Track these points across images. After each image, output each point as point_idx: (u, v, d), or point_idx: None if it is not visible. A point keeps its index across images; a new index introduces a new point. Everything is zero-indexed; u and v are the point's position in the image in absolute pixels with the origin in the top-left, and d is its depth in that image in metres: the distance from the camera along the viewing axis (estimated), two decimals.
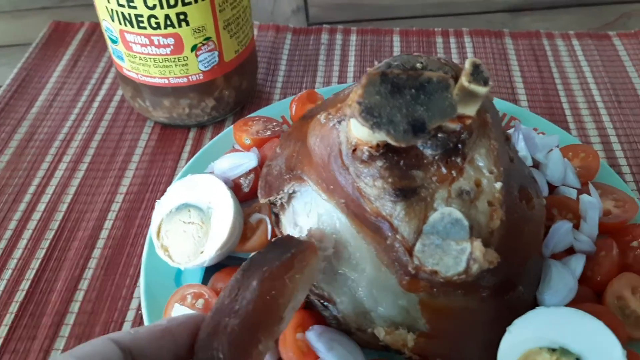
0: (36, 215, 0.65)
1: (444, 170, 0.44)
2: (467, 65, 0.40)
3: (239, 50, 0.70)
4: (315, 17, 0.94)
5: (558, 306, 0.46)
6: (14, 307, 0.56)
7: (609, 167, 0.63)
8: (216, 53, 0.67)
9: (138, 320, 0.56)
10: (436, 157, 0.44)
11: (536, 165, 0.61)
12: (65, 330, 0.55)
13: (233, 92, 0.73)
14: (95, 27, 0.91)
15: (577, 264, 0.52)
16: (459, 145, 0.44)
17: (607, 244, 0.54)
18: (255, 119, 0.69)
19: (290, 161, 0.53)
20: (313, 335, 0.49)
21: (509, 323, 0.46)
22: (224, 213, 0.55)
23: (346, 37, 0.88)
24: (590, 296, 0.52)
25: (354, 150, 0.44)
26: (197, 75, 0.68)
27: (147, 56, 0.65)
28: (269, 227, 0.57)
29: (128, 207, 0.66)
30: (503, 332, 0.46)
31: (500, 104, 0.71)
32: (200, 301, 0.53)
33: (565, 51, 0.83)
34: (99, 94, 0.80)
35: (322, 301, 0.50)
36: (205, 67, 0.67)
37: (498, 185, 0.43)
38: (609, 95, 0.76)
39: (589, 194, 0.58)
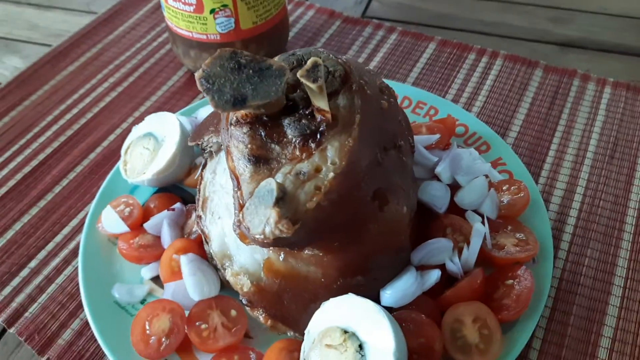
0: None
1: (297, 151, 0.50)
2: (309, 62, 0.46)
3: (257, 22, 0.80)
4: (373, 10, 1.00)
5: (368, 300, 0.50)
6: None
7: (543, 203, 0.64)
8: (232, 20, 0.78)
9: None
10: (296, 139, 0.51)
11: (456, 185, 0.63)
12: None
13: None
14: None
15: (430, 277, 0.55)
16: (319, 134, 0.50)
17: (475, 273, 0.56)
18: None
19: (214, 117, 0.62)
20: (184, 260, 0.59)
21: None
22: (169, 147, 0.66)
23: (387, 34, 0.93)
24: (429, 307, 0.55)
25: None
26: (214, 35, 0.79)
27: (176, 10, 0.78)
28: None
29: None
30: None
31: (474, 123, 0.73)
32: (127, 209, 0.65)
33: (590, 96, 0.80)
34: (162, 36, 0.95)
35: (205, 237, 0.60)
36: (222, 29, 0.78)
37: (331, 175, 0.49)
38: (605, 149, 0.74)
39: (502, 227, 0.60)
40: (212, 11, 0.76)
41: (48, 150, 0.78)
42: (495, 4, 0.99)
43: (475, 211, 0.62)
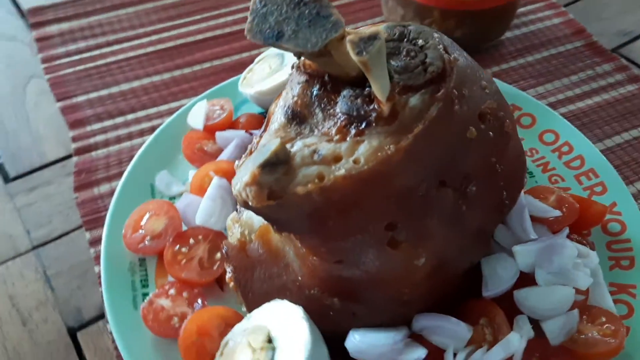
0: None
1: (334, 129, 0.42)
2: (369, 30, 0.37)
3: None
4: (632, 49, 0.79)
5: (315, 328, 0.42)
6: None
7: None
8: None
9: None
10: (341, 116, 0.42)
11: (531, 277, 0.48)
12: None
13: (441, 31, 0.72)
14: None
15: (412, 354, 0.43)
16: (364, 122, 0.41)
17: None
18: None
19: None
20: (215, 181, 0.55)
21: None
22: (284, 73, 0.62)
23: (624, 81, 0.73)
24: None
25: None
26: None
27: None
28: None
29: None
30: None
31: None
32: (218, 112, 0.63)
33: None
34: None
35: None
36: None
37: (341, 172, 0.40)
38: None
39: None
40: None
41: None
42: None
43: (535, 321, 0.46)
